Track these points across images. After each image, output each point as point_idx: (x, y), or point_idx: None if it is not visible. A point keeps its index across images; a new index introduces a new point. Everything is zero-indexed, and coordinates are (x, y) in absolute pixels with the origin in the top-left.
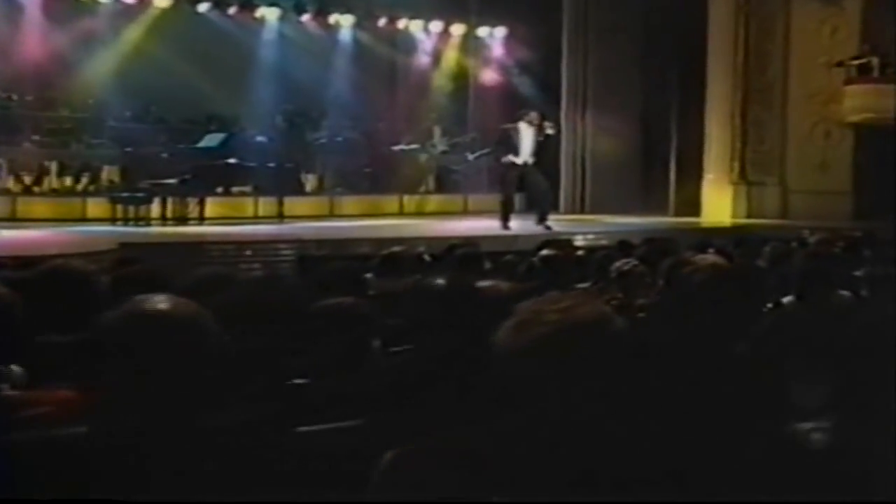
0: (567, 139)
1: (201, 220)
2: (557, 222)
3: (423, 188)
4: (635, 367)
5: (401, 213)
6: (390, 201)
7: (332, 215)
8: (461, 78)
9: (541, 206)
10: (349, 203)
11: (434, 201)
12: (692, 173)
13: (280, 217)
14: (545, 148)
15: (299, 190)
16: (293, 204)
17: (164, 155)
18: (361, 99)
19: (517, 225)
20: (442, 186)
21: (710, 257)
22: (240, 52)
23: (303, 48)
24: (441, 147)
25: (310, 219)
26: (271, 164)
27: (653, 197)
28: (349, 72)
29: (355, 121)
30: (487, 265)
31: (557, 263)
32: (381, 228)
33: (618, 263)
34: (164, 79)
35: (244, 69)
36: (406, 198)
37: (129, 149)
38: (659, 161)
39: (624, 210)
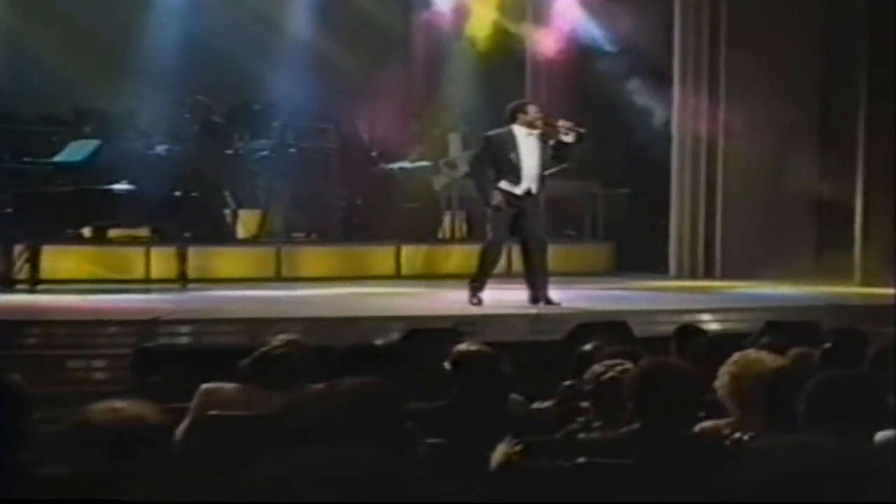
0: (682, 154)
1: (33, 284)
2: (663, 292)
3: (438, 233)
4: None
5: (398, 276)
6: (381, 255)
7: (281, 278)
8: (500, 52)
9: (541, 270)
10: (312, 257)
11: (456, 255)
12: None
13: (182, 281)
14: (563, 166)
15: (225, 235)
16: (215, 257)
17: None
18: (333, 85)
19: (495, 298)
20: (470, 231)
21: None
22: (131, 15)
23: (234, 3)
24: (465, 166)
25: (242, 284)
26: (177, 193)
27: (829, 252)
28: (313, 41)
29: (323, 121)
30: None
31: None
32: (358, 302)
33: (598, 367)
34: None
35: (139, 40)
36: (408, 249)
37: None
38: (839, 195)
39: (781, 273)
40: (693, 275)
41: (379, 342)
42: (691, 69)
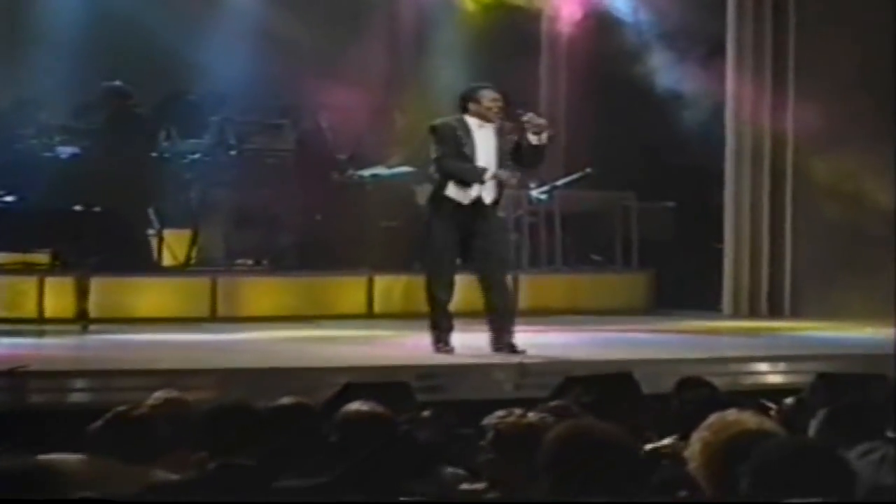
0: (738, 159)
1: None
2: (711, 335)
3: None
4: None
5: (369, 315)
6: (349, 288)
7: (216, 318)
8: (508, 27)
9: (500, 305)
10: (259, 291)
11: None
12: None
13: (82, 321)
14: (529, 171)
15: (144, 262)
16: (130, 290)
17: None
18: (290, 69)
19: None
20: (465, 256)
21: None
22: None
23: None
24: None
25: (165, 325)
26: (78, 208)
27: None
28: (264, 14)
29: (276, 115)
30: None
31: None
32: (305, 349)
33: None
34: None
35: (36, 11)
36: (382, 280)
37: None
38: None
39: (869, 311)
40: (754, 313)
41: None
42: (750, 50)
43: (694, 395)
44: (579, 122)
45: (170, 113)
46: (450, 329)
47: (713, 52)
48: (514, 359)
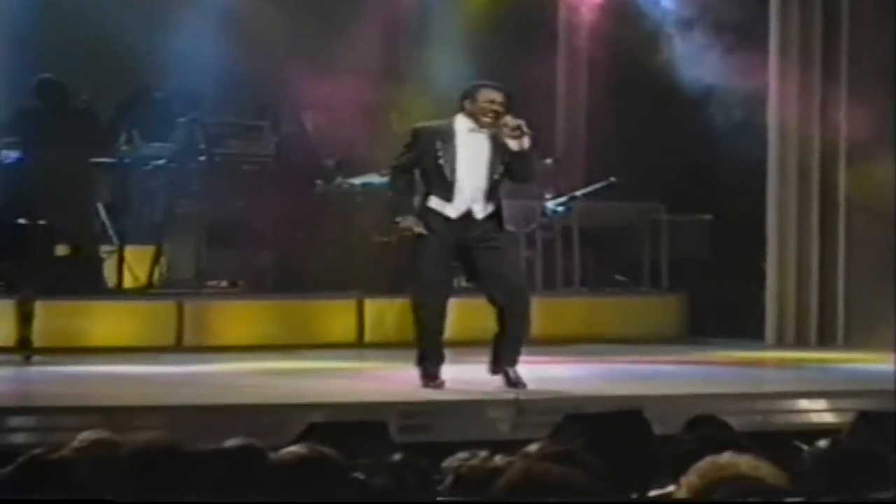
0: (782, 166)
1: None
2: (751, 366)
3: None
4: None
5: (360, 343)
6: (336, 313)
7: (183, 348)
8: (522, 12)
9: (509, 333)
10: (233, 317)
11: (449, 312)
12: None
13: (24, 350)
14: (522, 182)
15: (99, 284)
16: (82, 315)
17: None
18: (270, 63)
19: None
20: (470, 275)
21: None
22: None
23: None
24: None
25: (123, 355)
26: (21, 222)
27: None
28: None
29: (253, 115)
30: None
31: None
32: (278, 383)
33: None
34: None
35: None
36: (374, 304)
37: None
38: None
39: None
40: (801, 342)
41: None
42: (797, 41)
43: (707, 435)
44: (602, 123)
45: (133, 113)
46: (440, 361)
47: (755, 44)
48: (510, 394)
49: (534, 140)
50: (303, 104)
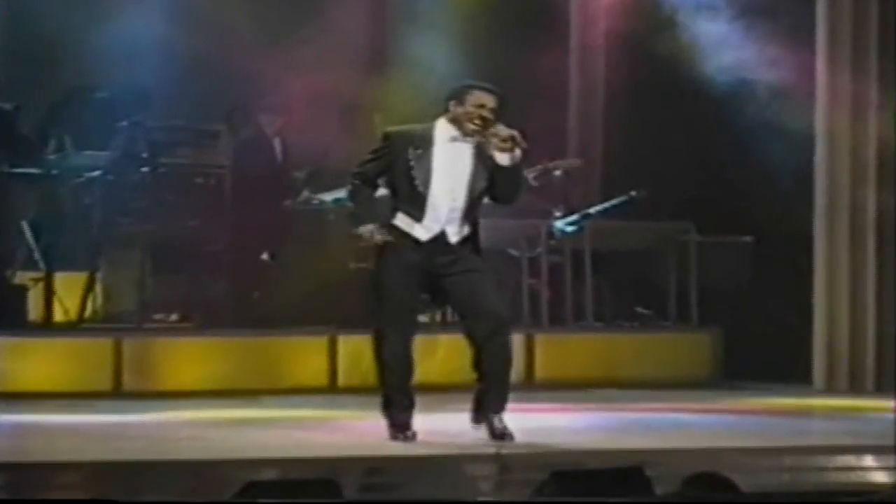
0: (832, 184)
1: None
2: (795, 416)
3: None
4: None
5: (332, 388)
6: (305, 352)
7: (122, 393)
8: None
9: (490, 375)
10: (183, 356)
11: (438, 349)
12: None
13: None
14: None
15: (19, 317)
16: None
17: None
18: (227, 59)
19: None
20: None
21: None
22: None
23: None
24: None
25: (46, 401)
26: None
27: None
28: None
29: (207, 119)
30: None
31: None
32: (226, 434)
33: None
34: None
35: None
36: (349, 341)
37: None
38: None
39: None
40: (855, 388)
41: None
42: (849, 35)
43: (706, 495)
44: (621, 128)
45: (66, 115)
46: (409, 407)
47: (799, 37)
48: (493, 447)
49: (524, 154)
50: (267, 105)
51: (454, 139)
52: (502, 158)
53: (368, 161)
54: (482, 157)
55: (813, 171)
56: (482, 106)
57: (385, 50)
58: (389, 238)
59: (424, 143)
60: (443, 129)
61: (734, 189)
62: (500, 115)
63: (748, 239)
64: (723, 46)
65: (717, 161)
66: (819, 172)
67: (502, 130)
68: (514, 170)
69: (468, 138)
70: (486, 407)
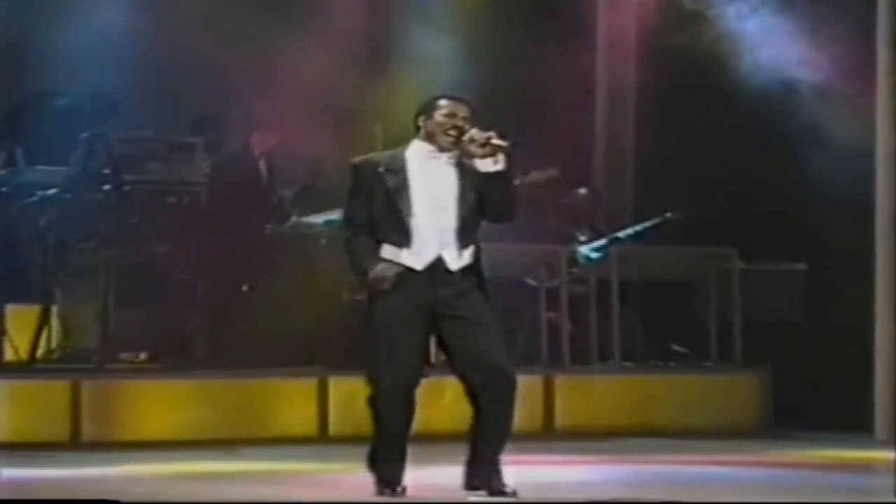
0: (893, 212)
1: None
2: (851, 470)
3: None
4: None
5: (322, 437)
6: (291, 396)
7: (80, 444)
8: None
9: (488, 427)
10: (151, 401)
11: (443, 392)
12: None
13: None
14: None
15: None
16: None
17: None
18: (207, 63)
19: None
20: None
21: None
22: None
23: None
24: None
25: None
26: None
27: None
28: None
29: (186, 128)
30: None
31: None
32: (189, 494)
33: None
34: None
35: None
36: (341, 384)
37: None
38: None
39: None
40: None
41: None
42: None
43: None
44: (655, 142)
45: (20, 125)
46: (400, 461)
47: (857, 38)
48: None
49: (509, 158)
50: (251, 116)
51: (431, 156)
52: (485, 165)
53: (349, 205)
54: (466, 172)
55: (874, 189)
56: (454, 115)
57: (387, 52)
58: (400, 269)
59: (397, 164)
60: (417, 150)
61: (783, 209)
62: (474, 124)
63: (800, 266)
64: (770, 49)
65: (763, 177)
66: (881, 190)
67: (477, 134)
68: (501, 177)
69: (446, 153)
70: (481, 460)
